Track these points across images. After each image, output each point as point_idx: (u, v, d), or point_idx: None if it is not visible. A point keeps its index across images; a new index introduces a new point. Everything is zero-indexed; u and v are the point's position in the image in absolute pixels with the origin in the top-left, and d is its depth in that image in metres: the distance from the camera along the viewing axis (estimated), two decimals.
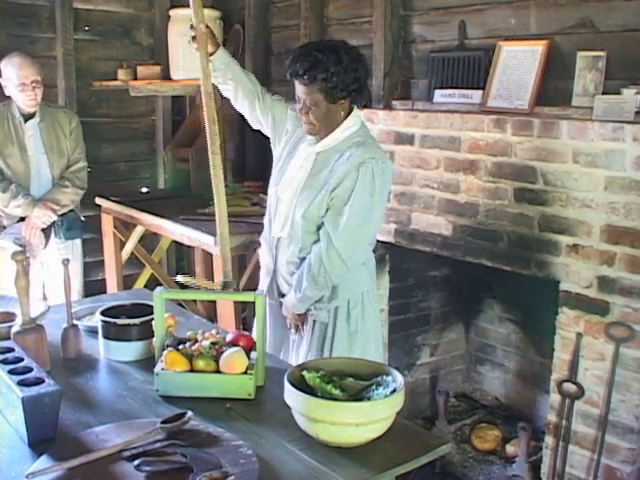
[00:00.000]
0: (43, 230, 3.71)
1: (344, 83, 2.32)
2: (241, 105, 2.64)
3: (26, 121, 3.68)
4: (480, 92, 3.10)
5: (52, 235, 3.78)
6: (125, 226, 4.46)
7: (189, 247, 4.56)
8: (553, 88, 2.91)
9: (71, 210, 3.84)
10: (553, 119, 2.66)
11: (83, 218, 3.98)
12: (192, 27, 2.40)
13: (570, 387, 2.67)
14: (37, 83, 3.62)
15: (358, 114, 2.47)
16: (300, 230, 2.44)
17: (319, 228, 2.43)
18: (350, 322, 2.50)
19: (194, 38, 2.40)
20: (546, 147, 2.65)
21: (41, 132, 3.73)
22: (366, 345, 2.53)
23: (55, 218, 3.72)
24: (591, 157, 2.51)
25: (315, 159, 2.45)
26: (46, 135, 3.74)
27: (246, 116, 2.69)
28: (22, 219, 3.70)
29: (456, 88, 3.22)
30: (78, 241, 3.93)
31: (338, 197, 2.37)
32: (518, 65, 2.97)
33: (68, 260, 2.16)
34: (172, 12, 4.50)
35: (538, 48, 2.92)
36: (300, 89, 2.37)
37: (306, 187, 2.43)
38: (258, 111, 2.61)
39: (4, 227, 3.76)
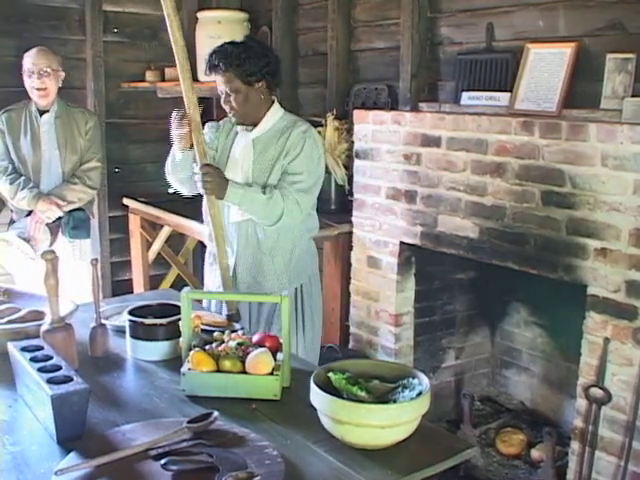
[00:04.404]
0: (49, 226, 3.72)
1: (257, 66, 2.61)
2: None
3: (42, 115, 3.71)
4: (508, 94, 3.08)
5: (60, 233, 3.78)
6: (152, 226, 4.50)
7: None
8: (581, 90, 2.88)
9: (81, 209, 3.83)
10: (581, 122, 2.64)
11: (92, 217, 3.97)
12: (183, 114, 2.55)
13: (597, 392, 2.65)
14: (45, 72, 3.61)
15: (277, 105, 2.76)
16: None
17: None
18: (304, 303, 2.84)
19: (183, 120, 2.54)
20: (574, 150, 2.63)
21: (56, 127, 3.74)
22: (315, 322, 2.89)
23: (60, 214, 3.71)
24: (620, 160, 2.49)
25: (254, 144, 2.71)
26: (61, 131, 3.75)
27: None
28: (30, 214, 3.71)
29: (483, 90, 3.21)
30: (88, 241, 3.91)
31: (292, 165, 2.65)
32: (546, 67, 2.95)
33: (97, 260, 2.19)
34: (200, 14, 4.53)
35: (566, 50, 2.89)
36: (219, 80, 2.65)
37: (257, 168, 2.68)
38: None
39: (13, 221, 3.80)
